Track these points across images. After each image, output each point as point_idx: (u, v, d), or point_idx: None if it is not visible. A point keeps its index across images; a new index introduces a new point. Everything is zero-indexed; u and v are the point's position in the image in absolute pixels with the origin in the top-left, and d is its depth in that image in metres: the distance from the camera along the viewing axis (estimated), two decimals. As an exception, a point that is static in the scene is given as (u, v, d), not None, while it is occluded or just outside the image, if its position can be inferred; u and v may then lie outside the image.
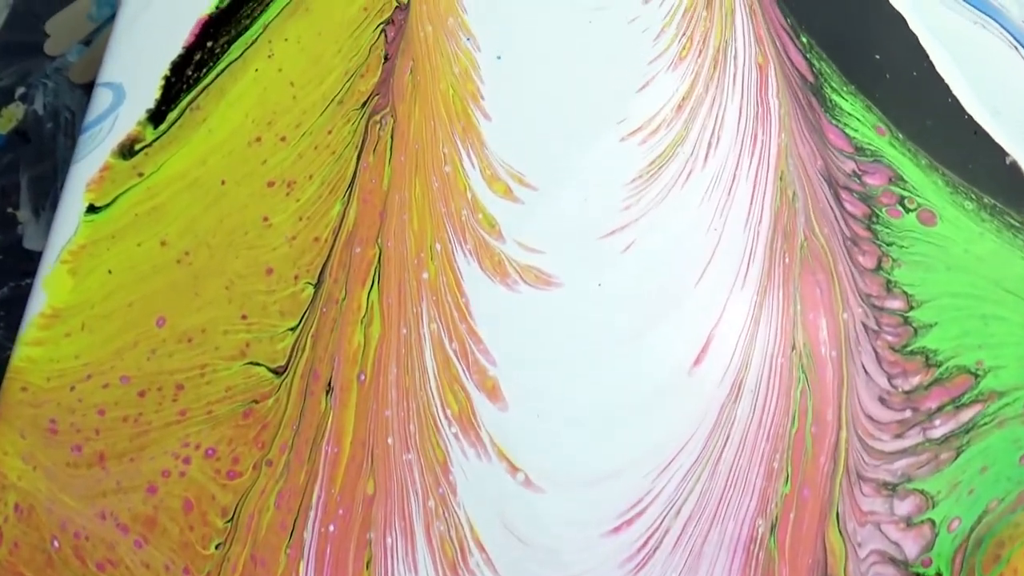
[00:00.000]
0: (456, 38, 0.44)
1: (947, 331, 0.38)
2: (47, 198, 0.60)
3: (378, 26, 0.44)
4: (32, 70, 0.64)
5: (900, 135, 0.42)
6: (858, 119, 0.43)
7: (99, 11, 0.67)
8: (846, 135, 0.42)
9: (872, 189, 0.41)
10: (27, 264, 0.58)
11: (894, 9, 0.46)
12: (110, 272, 0.37)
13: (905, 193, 0.41)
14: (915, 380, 0.37)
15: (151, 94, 0.41)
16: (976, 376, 0.38)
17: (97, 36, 0.66)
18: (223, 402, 0.35)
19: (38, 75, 0.64)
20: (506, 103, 0.42)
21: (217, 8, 0.43)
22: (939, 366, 0.38)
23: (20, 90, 0.64)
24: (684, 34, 0.44)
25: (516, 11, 0.44)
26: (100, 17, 0.67)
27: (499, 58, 0.43)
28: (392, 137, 0.41)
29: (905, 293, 0.39)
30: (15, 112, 0.63)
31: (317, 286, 0.38)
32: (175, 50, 0.42)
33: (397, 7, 0.44)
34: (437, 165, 0.40)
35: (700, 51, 0.44)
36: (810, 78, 0.44)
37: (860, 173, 0.42)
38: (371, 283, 0.38)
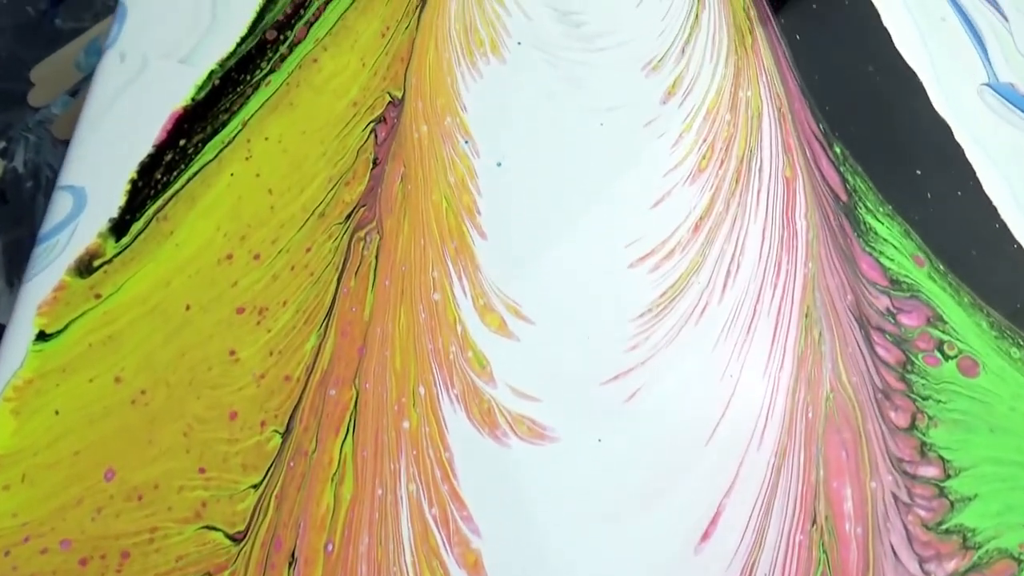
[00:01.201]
0: (453, 140, 0.40)
1: (988, 506, 0.34)
2: (23, 267, 0.57)
3: (368, 124, 0.40)
4: (13, 122, 0.61)
5: (941, 266, 0.38)
6: (894, 246, 0.38)
7: (87, 60, 0.64)
8: (880, 265, 0.38)
9: (908, 331, 0.37)
10: (-2, 339, 0.55)
11: (938, 116, 0.41)
12: (57, 413, 0.33)
13: (944, 337, 0.37)
14: (950, 566, 0.33)
15: (115, 200, 0.37)
16: (1019, 562, 0.33)
17: (84, 87, 0.62)
18: (172, 575, 0.31)
19: (19, 128, 0.61)
20: (504, 219, 0.38)
21: (193, 100, 0.40)
22: (977, 548, 0.34)
23: (0, 144, 0.60)
24: (705, 140, 0.40)
25: (520, 111, 0.40)
26: (88, 67, 0.63)
27: (499, 165, 0.39)
28: (377, 257, 0.37)
29: (942, 458, 0.35)
30: (-7, 169, 0.60)
31: (285, 435, 0.34)
32: (144, 148, 0.38)
33: (390, 102, 0.40)
34: (425, 292, 0.36)
35: (722, 161, 0.40)
36: (843, 196, 0.39)
37: (895, 311, 0.37)
38: (345, 432, 0.34)
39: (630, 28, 0.43)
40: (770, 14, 0.44)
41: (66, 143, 0.62)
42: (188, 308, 0.35)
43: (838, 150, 0.40)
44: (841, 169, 0.40)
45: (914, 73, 0.43)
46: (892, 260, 0.38)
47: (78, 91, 0.62)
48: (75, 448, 0.33)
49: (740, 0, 0.44)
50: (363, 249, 0.37)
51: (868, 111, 0.42)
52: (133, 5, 0.42)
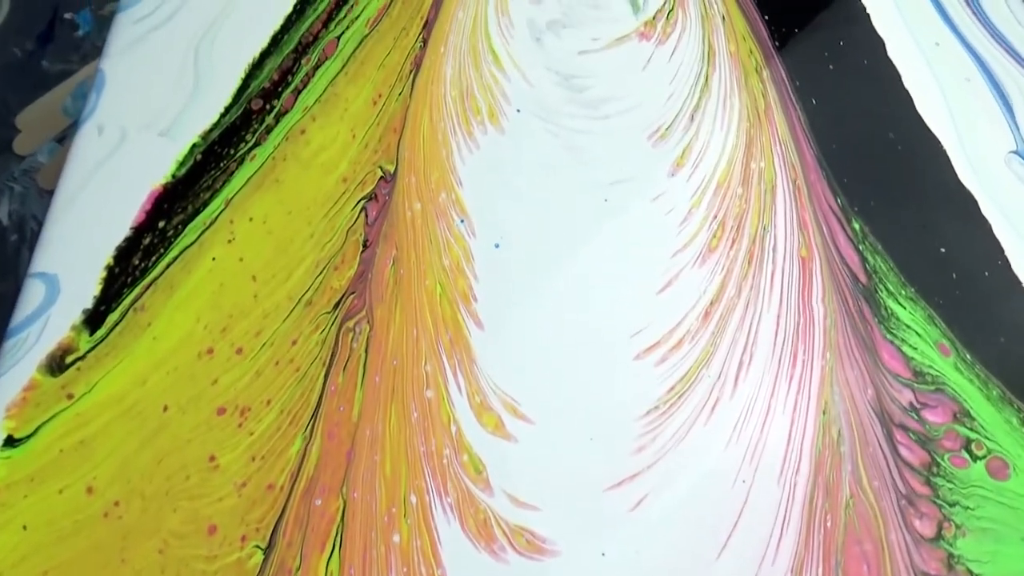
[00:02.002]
0: (448, 219, 0.37)
1: (1020, 626, 0.32)
2: (7, 324, 0.55)
3: (358, 202, 0.38)
4: (-2, 171, 0.59)
5: (968, 356, 0.36)
6: (918, 333, 0.36)
7: (75, 105, 0.62)
8: (903, 354, 0.36)
9: (933, 429, 0.35)
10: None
11: (963, 187, 0.39)
12: (25, 528, 0.31)
13: (972, 435, 0.34)
14: None
15: (90, 288, 0.35)
16: None
17: (71, 133, 0.60)
18: None
19: (4, 177, 0.59)
20: (502, 307, 0.36)
21: (174, 177, 0.38)
22: (1009, 674, 0.31)
23: (-16, 195, 0.58)
24: (715, 217, 0.38)
25: (519, 186, 0.38)
26: (75, 112, 0.61)
27: (497, 246, 0.37)
28: (367, 350, 0.35)
29: (970, 572, 0.32)
30: (-24, 222, 0.58)
31: (268, 550, 0.32)
32: (121, 231, 0.36)
33: (382, 177, 0.38)
34: (418, 388, 0.34)
35: (733, 240, 0.38)
36: (862, 278, 0.37)
37: (919, 407, 0.35)
38: (332, 548, 0.32)
39: (636, 93, 0.41)
40: (784, 76, 0.41)
41: (52, 193, 0.60)
42: (165, 409, 0.33)
43: (857, 226, 0.38)
44: (860, 247, 0.38)
45: (937, 140, 0.40)
46: (915, 349, 0.36)
47: (65, 137, 0.60)
48: (43, 568, 0.31)
49: (752, 60, 0.42)
50: (352, 341, 0.35)
51: (888, 183, 0.39)
52: (112, 71, 0.40)
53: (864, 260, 0.38)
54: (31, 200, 0.58)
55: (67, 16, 0.62)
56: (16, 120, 0.62)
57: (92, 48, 0.63)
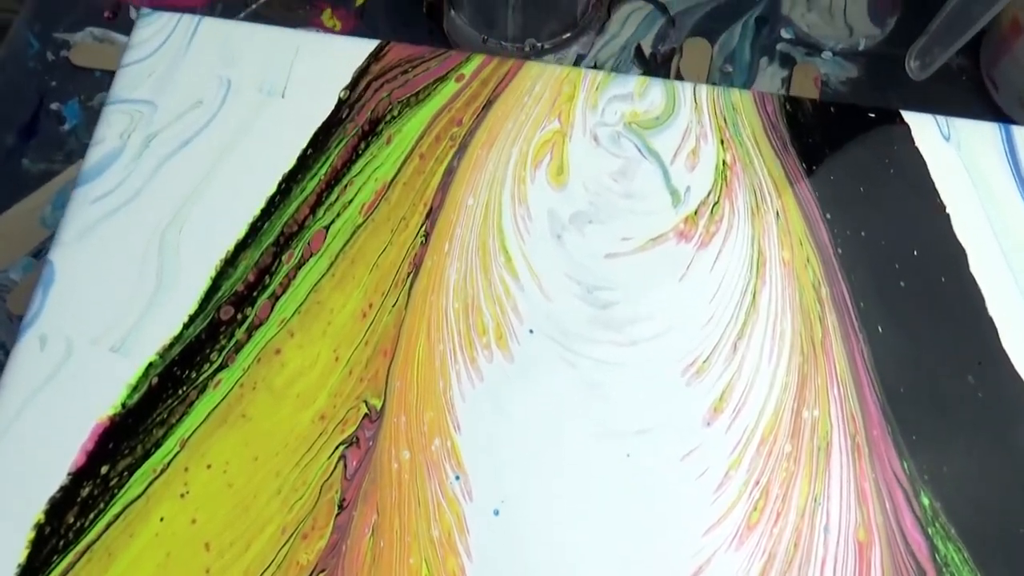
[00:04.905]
0: (441, 474, 0.32)
1: None
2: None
3: (337, 448, 0.32)
4: (-36, 289, 0.54)
5: None
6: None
7: (55, 216, 0.56)
8: None
9: None
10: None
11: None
12: None
13: None
14: None
15: (14, 555, 0.30)
16: None
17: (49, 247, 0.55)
18: None
19: (-29, 296, 0.54)
20: (499, 597, 0.30)
21: (124, 407, 0.32)
22: None
23: (-53, 316, 0.53)
24: (757, 483, 0.32)
25: (528, 435, 0.32)
26: (55, 222, 0.56)
27: (496, 513, 0.31)
28: (334, 651, 0.29)
29: None
30: (-65, 351, 0.53)
31: None
32: (57, 477, 0.31)
33: (366, 415, 0.32)
34: None
35: (778, 514, 0.32)
36: (930, 572, 0.31)
37: None
38: None
39: (670, 312, 0.34)
40: (847, 295, 0.35)
41: (21, 319, 0.54)
42: None
43: (926, 502, 0.32)
44: (929, 531, 0.32)
45: (1026, 388, 0.34)
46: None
47: (41, 252, 0.55)
48: None
49: (809, 272, 0.35)
50: (318, 637, 0.29)
51: (966, 443, 0.33)
52: (63, 264, 0.34)
53: (934, 548, 0.31)
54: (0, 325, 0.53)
55: (53, 107, 0.57)
56: (-11, 229, 0.57)
57: (78, 145, 0.58)
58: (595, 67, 0.54)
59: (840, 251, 0.36)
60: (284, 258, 0.35)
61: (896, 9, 0.57)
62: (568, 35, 0.53)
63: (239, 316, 0.34)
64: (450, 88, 0.38)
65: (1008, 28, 0.50)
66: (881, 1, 0.57)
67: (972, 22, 0.44)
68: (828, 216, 0.37)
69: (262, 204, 0.35)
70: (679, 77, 0.53)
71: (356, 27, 0.57)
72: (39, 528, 0.30)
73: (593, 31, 0.55)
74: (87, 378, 0.32)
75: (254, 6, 0.57)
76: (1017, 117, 0.52)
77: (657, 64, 0.55)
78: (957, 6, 0.44)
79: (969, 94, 0.55)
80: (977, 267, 0.36)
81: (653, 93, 0.38)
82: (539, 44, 0.53)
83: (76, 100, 0.58)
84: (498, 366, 0.33)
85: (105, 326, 0.33)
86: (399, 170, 0.36)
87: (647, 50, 0.55)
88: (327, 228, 0.35)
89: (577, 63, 0.54)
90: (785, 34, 0.56)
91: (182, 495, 0.31)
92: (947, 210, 0.37)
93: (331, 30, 0.56)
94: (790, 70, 0.55)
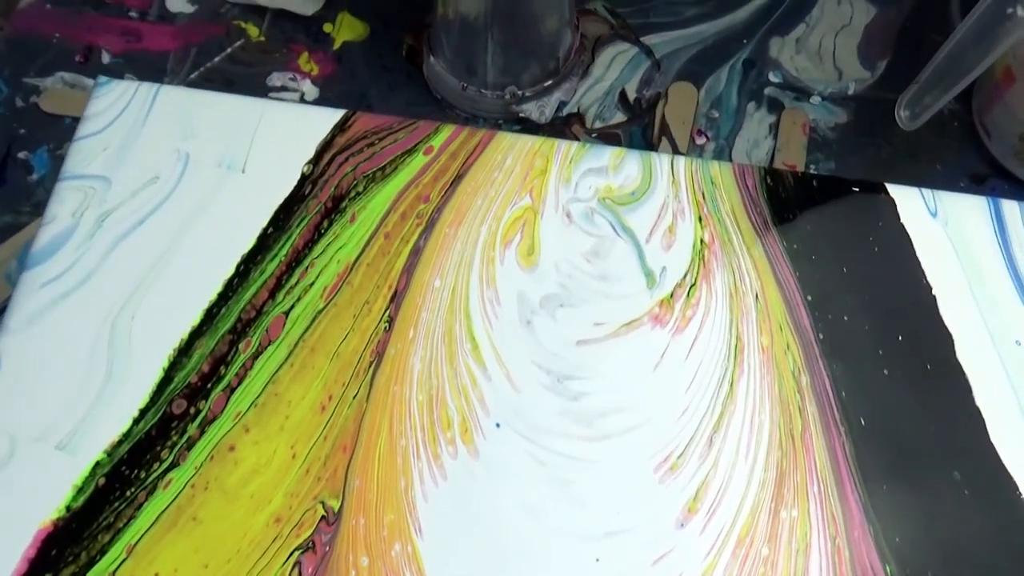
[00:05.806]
0: (401, 582, 0.30)
1: None
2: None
3: (291, 554, 0.30)
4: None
5: None
6: None
7: (20, 270, 0.55)
8: None
9: None
10: None
11: (1045, 556, 0.31)
12: None
13: None
14: None
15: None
16: None
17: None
18: None
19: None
20: None
21: (68, 510, 0.31)
22: None
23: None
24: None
25: (491, 539, 0.31)
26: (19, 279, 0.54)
27: (458, 625, 0.30)
28: None
29: None
30: None
31: None
32: (-3, 588, 0.29)
33: (323, 518, 0.31)
34: None
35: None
36: None
37: None
38: None
39: (643, 404, 0.33)
40: (828, 384, 0.34)
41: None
42: None
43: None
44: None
45: (1016, 486, 0.32)
46: None
47: (6, 308, 0.53)
48: None
49: (789, 359, 0.34)
50: None
51: (951, 546, 0.31)
52: (8, 353, 0.33)
53: (916, 661, 0.30)
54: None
55: (21, 155, 0.55)
56: (-49, 283, 0.55)
57: (47, 196, 0.56)
58: (578, 112, 0.52)
59: (821, 336, 0.35)
60: (241, 347, 0.33)
61: (886, 52, 0.56)
62: (550, 83, 0.52)
63: (192, 410, 0.32)
64: (418, 162, 0.36)
65: (1001, 76, 0.49)
66: (871, 44, 0.56)
67: (964, 72, 0.43)
68: (809, 298, 0.35)
69: (219, 288, 0.34)
70: (664, 123, 0.51)
71: (334, 71, 0.55)
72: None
73: (576, 77, 0.53)
74: (30, 478, 0.31)
75: (229, 50, 0.56)
76: (1010, 165, 0.50)
77: (642, 109, 0.53)
78: (949, 55, 0.42)
79: (961, 141, 0.53)
80: (963, 354, 0.34)
81: (629, 166, 0.37)
82: (520, 92, 0.51)
83: (45, 149, 0.56)
84: (463, 463, 0.32)
85: (51, 421, 0.32)
86: (363, 250, 0.35)
87: (631, 95, 0.53)
88: (287, 314, 0.34)
89: (559, 110, 0.52)
90: (773, 78, 0.54)
91: (128, 609, 0.29)
92: (933, 291, 0.35)
93: (308, 74, 0.55)
94: (778, 115, 0.53)
